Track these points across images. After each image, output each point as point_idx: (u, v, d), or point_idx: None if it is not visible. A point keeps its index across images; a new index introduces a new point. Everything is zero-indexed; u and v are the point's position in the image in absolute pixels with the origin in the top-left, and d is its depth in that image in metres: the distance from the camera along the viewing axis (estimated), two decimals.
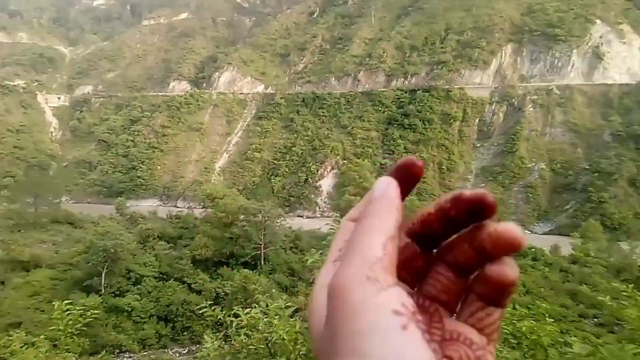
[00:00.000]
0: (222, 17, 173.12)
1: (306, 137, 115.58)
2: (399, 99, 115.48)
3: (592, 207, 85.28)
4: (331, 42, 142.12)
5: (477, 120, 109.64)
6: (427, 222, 0.53)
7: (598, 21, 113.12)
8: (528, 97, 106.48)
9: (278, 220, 62.39)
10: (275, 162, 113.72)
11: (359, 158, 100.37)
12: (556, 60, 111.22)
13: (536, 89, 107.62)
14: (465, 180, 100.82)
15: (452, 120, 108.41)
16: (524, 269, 57.77)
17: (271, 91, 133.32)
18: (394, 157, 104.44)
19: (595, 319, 43.81)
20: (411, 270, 0.52)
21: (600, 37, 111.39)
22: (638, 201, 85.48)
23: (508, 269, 0.47)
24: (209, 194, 63.76)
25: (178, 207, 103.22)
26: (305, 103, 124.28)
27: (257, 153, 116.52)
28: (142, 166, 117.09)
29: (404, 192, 0.56)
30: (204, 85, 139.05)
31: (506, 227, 0.48)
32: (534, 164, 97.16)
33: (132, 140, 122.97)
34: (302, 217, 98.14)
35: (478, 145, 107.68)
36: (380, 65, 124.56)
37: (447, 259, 0.52)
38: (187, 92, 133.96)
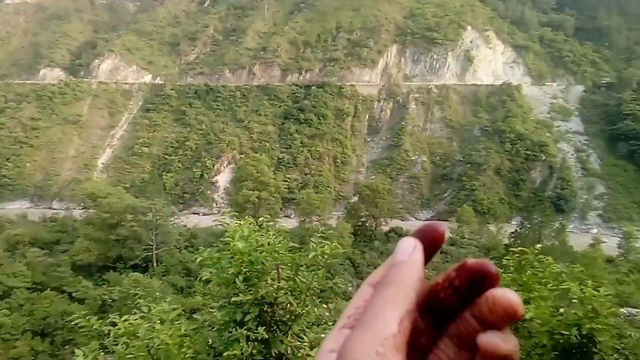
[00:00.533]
0: None
1: (200, 131, 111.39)
2: (294, 93, 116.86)
3: (466, 194, 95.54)
4: (224, 33, 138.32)
5: (367, 116, 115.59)
6: (433, 293, 0.50)
7: (469, 27, 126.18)
8: (411, 95, 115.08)
9: (171, 219, 59.44)
10: (166, 157, 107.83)
11: (256, 152, 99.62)
12: (434, 62, 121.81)
13: (418, 88, 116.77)
14: (358, 173, 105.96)
15: (344, 116, 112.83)
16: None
17: (160, 82, 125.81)
18: (292, 152, 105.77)
19: None
20: (414, 346, 0.47)
21: (471, 41, 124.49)
22: (503, 188, 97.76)
23: (500, 340, 0.44)
24: (91, 193, 58.38)
25: (54, 209, 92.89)
26: (198, 95, 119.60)
27: (146, 148, 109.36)
28: (8, 164, 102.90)
29: (426, 259, 0.52)
30: (82, 73, 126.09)
31: (503, 292, 0.46)
32: (417, 157, 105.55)
33: None
34: (198, 214, 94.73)
35: (368, 139, 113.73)
36: (275, 60, 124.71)
37: (451, 331, 0.48)
38: (61, 80, 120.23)
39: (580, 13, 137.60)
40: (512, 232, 56.10)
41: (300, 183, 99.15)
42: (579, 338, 3.74)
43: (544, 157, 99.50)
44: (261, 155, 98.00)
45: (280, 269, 4.75)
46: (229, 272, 4.60)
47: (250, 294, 4.47)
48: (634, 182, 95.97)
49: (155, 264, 54.25)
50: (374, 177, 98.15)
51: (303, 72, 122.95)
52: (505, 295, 0.45)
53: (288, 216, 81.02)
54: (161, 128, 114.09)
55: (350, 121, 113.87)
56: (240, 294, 4.38)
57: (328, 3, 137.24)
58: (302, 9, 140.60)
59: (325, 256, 4.58)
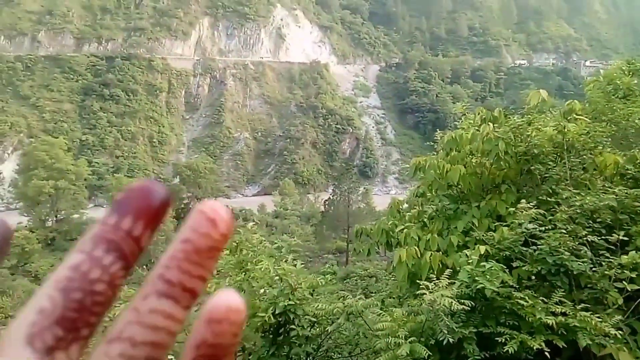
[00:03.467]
0: None
1: None
2: (94, 66, 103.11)
3: (288, 167, 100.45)
4: None
5: (183, 92, 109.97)
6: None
7: (278, 5, 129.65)
8: (228, 71, 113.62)
9: None
10: None
11: (51, 135, 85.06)
12: (248, 37, 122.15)
13: (234, 63, 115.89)
14: (179, 152, 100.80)
15: (157, 92, 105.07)
16: (237, 231, 63.24)
17: None
18: (97, 132, 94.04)
19: None
20: None
21: (281, 19, 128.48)
22: (319, 160, 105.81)
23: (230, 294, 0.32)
24: None
25: None
26: None
27: None
28: None
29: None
30: None
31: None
32: (239, 134, 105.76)
33: None
34: None
35: (187, 117, 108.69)
36: (66, 26, 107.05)
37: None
38: None
39: None
40: (326, 200, 61.37)
41: (112, 167, 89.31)
42: (275, 317, 3.97)
43: (351, 130, 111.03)
44: (57, 137, 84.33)
45: None
46: None
47: None
48: (420, 148, 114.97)
49: None
50: (196, 156, 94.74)
51: (103, 42, 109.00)
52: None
53: (101, 206, 72.38)
54: None
55: (165, 97, 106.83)
56: None
57: None
58: None
59: None
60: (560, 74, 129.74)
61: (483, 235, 4.65)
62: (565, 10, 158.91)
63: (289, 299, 3.94)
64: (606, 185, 5.18)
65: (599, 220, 4.68)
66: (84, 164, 75.37)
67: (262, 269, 4.26)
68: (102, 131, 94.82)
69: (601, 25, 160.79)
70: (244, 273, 4.38)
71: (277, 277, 4.08)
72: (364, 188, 69.35)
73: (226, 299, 0.31)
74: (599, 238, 4.35)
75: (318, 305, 3.85)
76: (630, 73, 8.48)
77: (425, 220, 5.41)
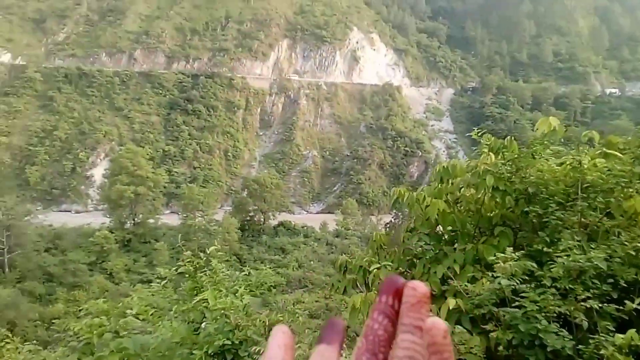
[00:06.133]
0: None
1: (72, 120, 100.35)
2: (181, 82, 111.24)
3: (353, 187, 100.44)
4: (99, 12, 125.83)
5: (259, 110, 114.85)
6: (375, 335, 0.56)
7: (355, 28, 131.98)
8: (302, 91, 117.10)
9: (26, 218, 52.24)
10: (30, 148, 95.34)
11: (138, 144, 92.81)
12: (324, 59, 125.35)
13: (308, 84, 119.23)
14: (250, 166, 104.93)
15: (235, 109, 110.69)
16: (297, 246, 64.24)
17: (21, 63, 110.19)
18: (179, 144, 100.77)
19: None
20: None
21: (357, 42, 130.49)
22: (385, 182, 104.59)
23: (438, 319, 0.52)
24: None
25: None
26: (69, 80, 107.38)
27: (4, 137, 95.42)
28: None
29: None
30: None
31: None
32: (308, 151, 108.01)
33: None
34: (70, 212, 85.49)
35: (261, 133, 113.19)
36: (159, 46, 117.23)
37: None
38: None
39: (452, 22, 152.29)
40: (387, 223, 60.28)
41: (189, 177, 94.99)
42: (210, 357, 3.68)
43: (420, 153, 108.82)
44: (143, 147, 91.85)
45: None
46: None
47: None
48: None
49: (7, 270, 47.32)
50: (266, 171, 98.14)
51: (190, 61, 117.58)
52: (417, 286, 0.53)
53: (176, 213, 76.86)
54: (23, 115, 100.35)
55: (242, 114, 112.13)
56: None
57: None
58: None
59: None
60: None
61: (461, 286, 3.96)
62: None
63: (228, 338, 3.55)
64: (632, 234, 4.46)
65: (610, 281, 3.78)
66: (163, 172, 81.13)
67: (201, 300, 3.84)
68: (183, 143, 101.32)
69: None
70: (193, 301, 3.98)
71: (218, 311, 3.69)
72: None
73: (438, 322, 0.51)
74: (606, 305, 3.43)
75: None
76: None
77: (414, 260, 4.89)
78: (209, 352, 3.46)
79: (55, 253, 51.55)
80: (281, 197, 78.45)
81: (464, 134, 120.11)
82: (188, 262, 4.25)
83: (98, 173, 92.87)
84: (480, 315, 3.77)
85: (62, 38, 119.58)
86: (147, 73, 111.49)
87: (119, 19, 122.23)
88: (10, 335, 5.12)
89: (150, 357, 3.73)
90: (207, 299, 3.77)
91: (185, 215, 64.04)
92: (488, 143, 5.12)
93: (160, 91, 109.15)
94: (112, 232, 58.40)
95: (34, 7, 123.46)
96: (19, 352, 5.08)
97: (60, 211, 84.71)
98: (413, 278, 4.54)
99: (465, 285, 3.94)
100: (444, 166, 5.12)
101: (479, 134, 5.38)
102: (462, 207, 5.05)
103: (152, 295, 4.66)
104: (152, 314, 3.96)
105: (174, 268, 4.52)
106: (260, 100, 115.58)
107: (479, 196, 4.77)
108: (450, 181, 5.02)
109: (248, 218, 70.47)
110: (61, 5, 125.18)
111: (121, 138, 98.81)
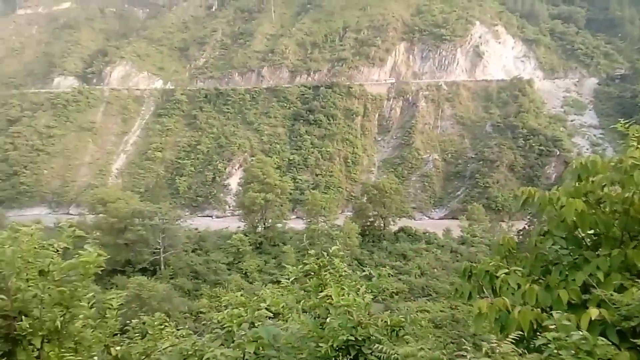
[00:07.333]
0: (110, 7, 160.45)
1: (211, 135, 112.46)
2: (303, 95, 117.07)
3: (479, 192, 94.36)
4: (232, 36, 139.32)
5: (377, 115, 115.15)
6: None
7: (477, 22, 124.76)
8: (420, 93, 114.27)
9: (177, 222, 59.96)
10: (179, 161, 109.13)
11: (266, 154, 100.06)
12: (443, 59, 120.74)
13: (427, 85, 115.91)
14: (369, 172, 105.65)
15: (354, 116, 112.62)
16: (419, 253, 62.51)
17: (170, 87, 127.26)
18: (302, 153, 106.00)
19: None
20: None
21: (480, 37, 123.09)
22: (516, 185, 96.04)
23: None
24: (100, 199, 59.40)
25: (71, 214, 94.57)
26: (209, 99, 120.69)
27: (159, 152, 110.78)
28: (26, 171, 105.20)
29: None
30: (94, 81, 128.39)
31: None
32: (428, 155, 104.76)
33: (11, 143, 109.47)
34: (211, 217, 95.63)
35: (379, 138, 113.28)
36: (284, 62, 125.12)
37: None
38: (74, 88, 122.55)
39: (591, 4, 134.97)
40: (520, 230, 55.14)
41: (312, 184, 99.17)
42: (335, 351, 3.68)
43: (558, 152, 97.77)
44: (272, 157, 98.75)
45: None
46: None
47: None
48: None
49: (162, 267, 54.82)
50: (385, 176, 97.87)
51: (311, 73, 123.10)
52: None
53: (300, 218, 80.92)
54: (173, 133, 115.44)
55: (360, 121, 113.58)
56: None
57: (334, 3, 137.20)
58: (309, 9, 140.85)
59: None
60: None
61: (607, 295, 3.60)
62: None
63: (351, 334, 3.65)
64: None
65: None
66: (289, 180, 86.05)
67: (325, 296, 4.06)
68: (306, 152, 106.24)
69: None
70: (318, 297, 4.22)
71: (341, 307, 3.85)
72: None
73: None
74: None
75: (406, 350, 3.35)
76: None
77: (549, 266, 4.48)
78: (334, 346, 3.62)
79: (200, 253, 58.35)
80: (401, 202, 77.27)
81: (613, 129, 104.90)
82: (313, 260, 4.53)
83: (234, 182, 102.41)
84: (630, 328, 3.40)
85: (202, 62, 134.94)
86: (273, 88, 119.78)
87: (248, 40, 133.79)
88: (168, 320, 5.95)
89: (282, 347, 4.05)
90: (330, 296, 3.97)
91: (309, 220, 67.00)
92: (637, 135, 4.55)
93: (285, 104, 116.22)
94: (246, 235, 63.72)
95: (179, 37, 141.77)
96: (175, 336, 5.83)
97: (204, 216, 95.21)
98: (548, 285, 4.24)
99: (612, 295, 3.61)
100: (581, 162, 4.62)
101: (626, 126, 4.78)
102: (605, 208, 4.48)
103: (282, 294, 5.09)
104: (282, 307, 4.36)
105: (299, 266, 4.82)
106: (378, 106, 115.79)
107: (626, 195, 4.20)
108: (590, 179, 4.49)
109: (368, 223, 70.89)
110: (201, 33, 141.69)
111: (252, 149, 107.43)
